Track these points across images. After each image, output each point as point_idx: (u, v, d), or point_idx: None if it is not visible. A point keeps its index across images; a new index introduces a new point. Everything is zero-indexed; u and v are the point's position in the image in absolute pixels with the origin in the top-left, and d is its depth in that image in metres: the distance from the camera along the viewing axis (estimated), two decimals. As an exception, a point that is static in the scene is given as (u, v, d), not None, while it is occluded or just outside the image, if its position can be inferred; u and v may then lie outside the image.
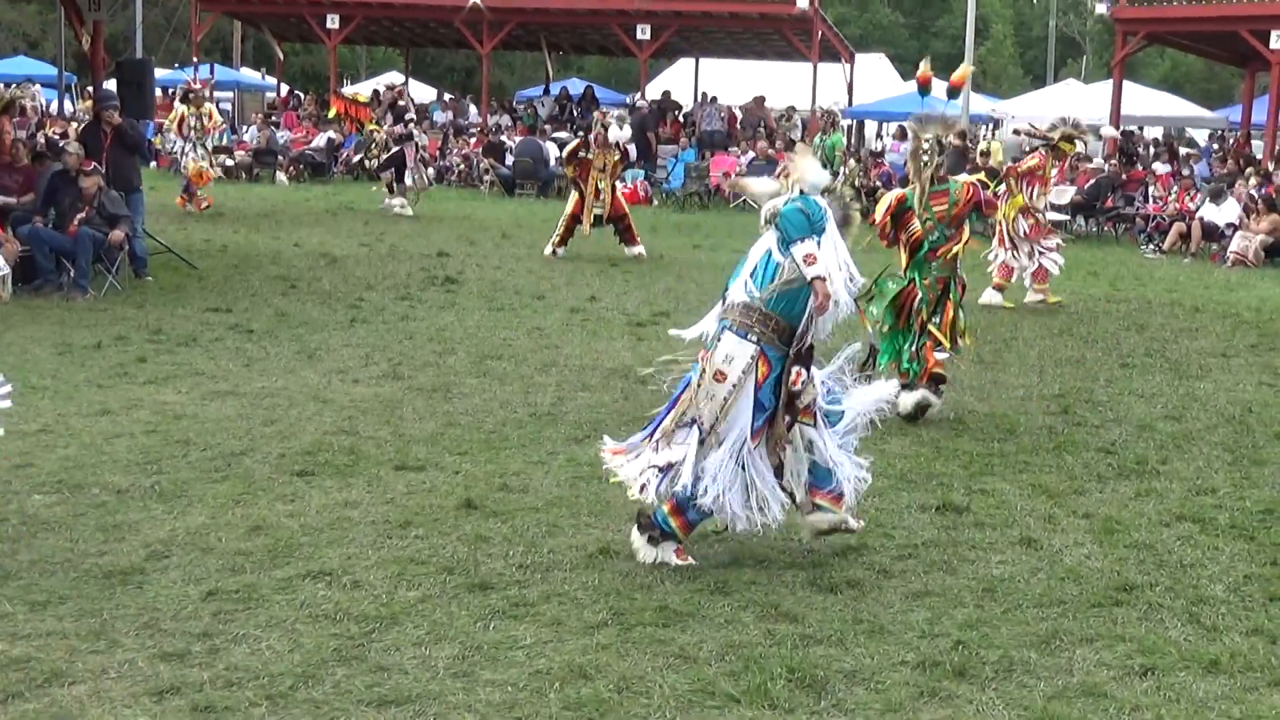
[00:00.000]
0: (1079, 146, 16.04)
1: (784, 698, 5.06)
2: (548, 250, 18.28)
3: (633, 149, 21.94)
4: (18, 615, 5.62)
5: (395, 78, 46.29)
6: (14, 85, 28.82)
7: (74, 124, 24.63)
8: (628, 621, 5.73)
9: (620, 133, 18.73)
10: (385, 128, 23.78)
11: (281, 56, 42.35)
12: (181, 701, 4.89)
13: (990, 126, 38.68)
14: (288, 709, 4.87)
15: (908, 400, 9.39)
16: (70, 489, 7.39)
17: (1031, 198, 15.35)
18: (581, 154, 18.32)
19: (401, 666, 5.24)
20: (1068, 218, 24.71)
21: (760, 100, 34.46)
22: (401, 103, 22.94)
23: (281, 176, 30.09)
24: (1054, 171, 15.67)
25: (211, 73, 39.88)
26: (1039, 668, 5.41)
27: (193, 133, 22.03)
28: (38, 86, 34.85)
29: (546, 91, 39.13)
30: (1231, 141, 31.73)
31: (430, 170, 23.05)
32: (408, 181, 23.11)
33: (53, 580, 6.05)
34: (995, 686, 5.24)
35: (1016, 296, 15.43)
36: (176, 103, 22.68)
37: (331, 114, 28.48)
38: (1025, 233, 15.39)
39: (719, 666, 5.32)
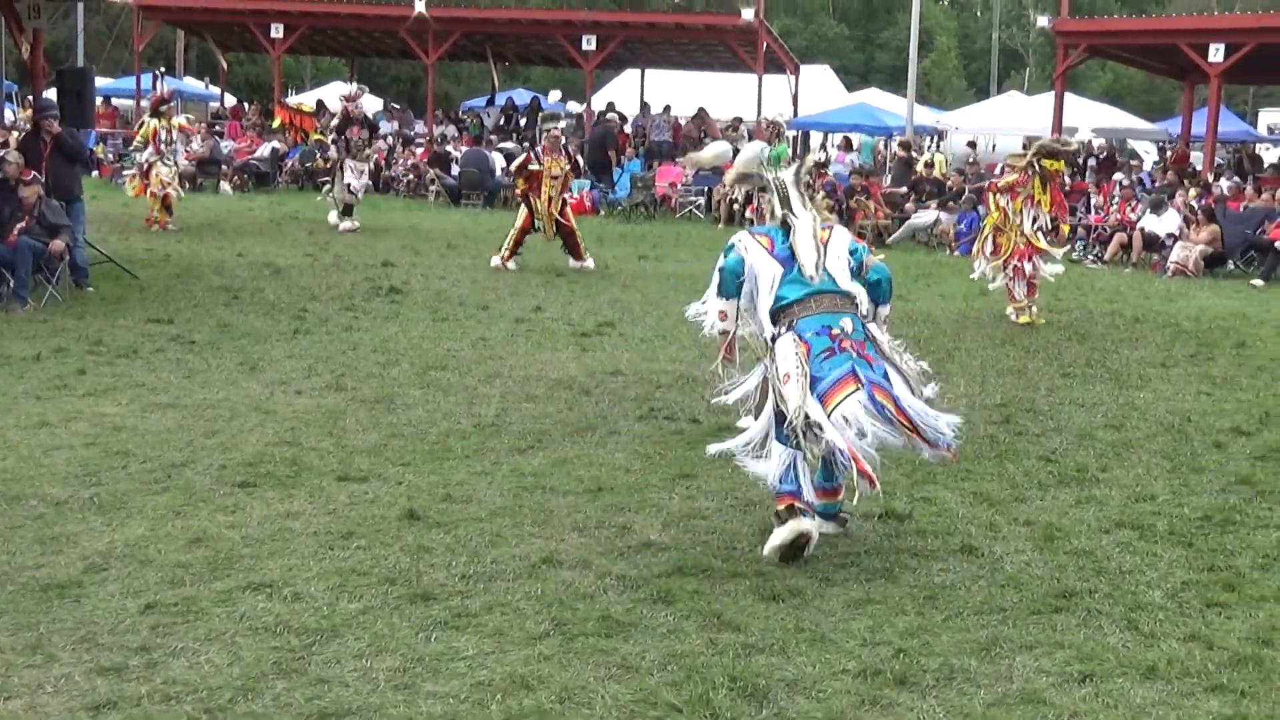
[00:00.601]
0: (1063, 162, 15.64)
1: (726, 707, 5.06)
2: (495, 261, 18.22)
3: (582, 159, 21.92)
4: (-48, 630, 5.56)
5: (341, 88, 46.11)
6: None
7: (14, 133, 24.35)
8: (570, 632, 5.73)
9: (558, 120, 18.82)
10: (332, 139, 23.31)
11: (226, 66, 42.13)
12: (119, 716, 4.85)
13: (934, 138, 39.00)
14: (227, 722, 4.84)
15: None
16: (7, 501, 7.31)
17: (1021, 218, 15.10)
18: (531, 166, 18.27)
19: (342, 679, 5.21)
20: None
21: (701, 113, 34.52)
22: (351, 116, 22.31)
23: (225, 186, 29.90)
24: (1046, 192, 15.28)
25: (154, 82, 39.60)
26: (979, 675, 5.44)
27: (164, 146, 21.73)
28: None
29: (491, 102, 39.08)
30: (1170, 154, 32.10)
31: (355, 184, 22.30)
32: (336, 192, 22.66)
33: (-12, 594, 5.99)
34: (936, 694, 5.27)
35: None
36: (147, 116, 22.30)
37: (276, 124, 28.31)
38: (992, 250, 15.31)
39: (661, 676, 5.32)
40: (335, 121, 22.74)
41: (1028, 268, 15.12)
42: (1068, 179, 15.30)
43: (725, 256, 7.16)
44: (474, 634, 5.69)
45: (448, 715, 4.95)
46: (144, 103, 37.38)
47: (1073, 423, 10.10)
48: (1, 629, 5.59)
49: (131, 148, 24.32)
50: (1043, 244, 15.20)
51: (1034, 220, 15.15)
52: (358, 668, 5.32)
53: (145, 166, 21.72)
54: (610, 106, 36.36)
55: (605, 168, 30.06)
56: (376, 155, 22.55)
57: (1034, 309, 15.19)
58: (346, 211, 22.26)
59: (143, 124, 22.42)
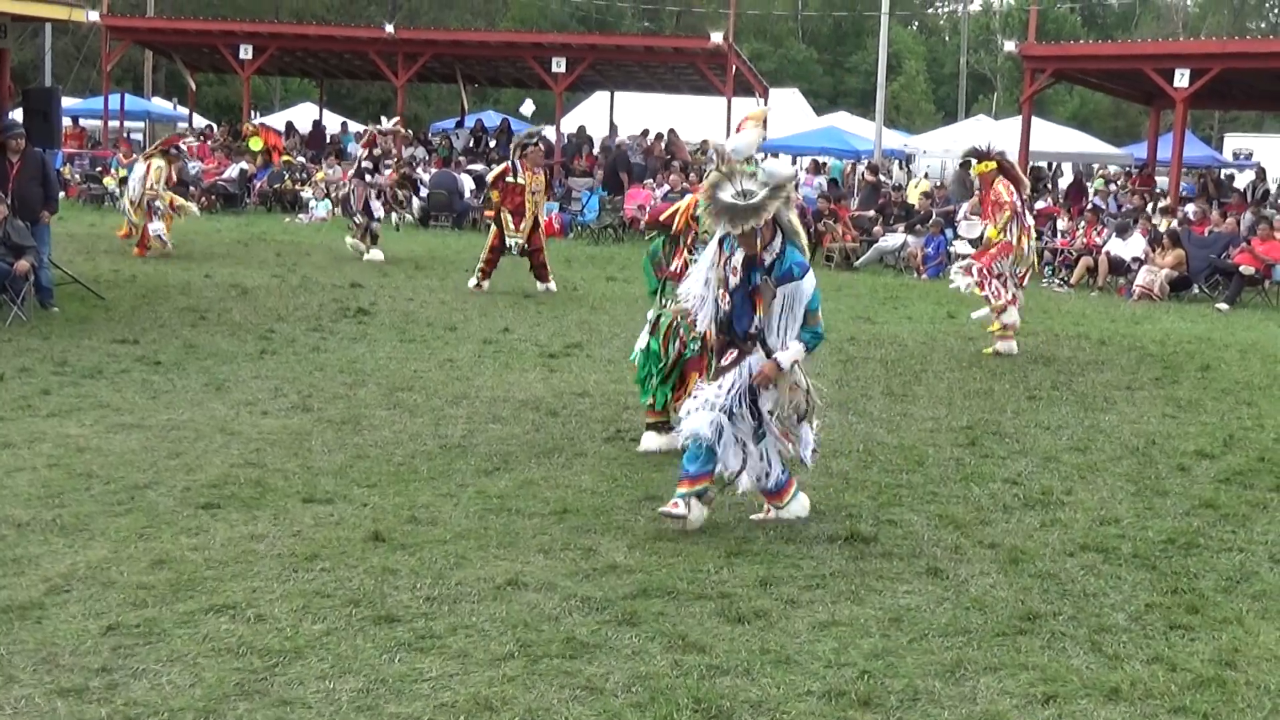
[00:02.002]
0: (985, 165, 15.15)
1: (690, 729, 5.06)
2: (472, 283, 18.17)
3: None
4: (-89, 652, 5.51)
5: (310, 109, 46.11)
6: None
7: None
8: (535, 653, 5.71)
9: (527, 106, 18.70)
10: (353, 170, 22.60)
11: (194, 87, 42.02)
12: (78, 738, 4.81)
13: (903, 161, 39.20)
14: (188, 745, 4.81)
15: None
16: (-32, 523, 7.25)
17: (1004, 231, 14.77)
18: (509, 179, 18.19)
19: (305, 700, 5.18)
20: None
21: (664, 136, 34.61)
22: (377, 151, 21.92)
23: (193, 207, 29.74)
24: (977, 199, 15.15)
25: (122, 102, 39.48)
26: (943, 697, 5.45)
27: (160, 185, 21.35)
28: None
29: (461, 124, 39.12)
30: (1133, 175, 32.35)
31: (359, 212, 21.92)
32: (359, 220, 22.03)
33: (-52, 616, 5.93)
34: (900, 716, 5.27)
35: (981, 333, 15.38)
36: (157, 159, 21.71)
37: (259, 145, 28.28)
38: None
39: (625, 698, 5.31)
40: (363, 153, 22.37)
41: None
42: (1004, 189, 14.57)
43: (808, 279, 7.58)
44: (438, 655, 5.67)
45: (411, 737, 4.93)
46: (136, 137, 37.30)
47: (1038, 445, 10.15)
48: (-39, 651, 5.54)
49: (66, 164, 23.68)
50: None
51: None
52: (321, 689, 5.29)
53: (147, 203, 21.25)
54: (581, 130, 36.44)
55: (619, 190, 30.10)
56: (383, 182, 22.13)
57: (998, 325, 14.94)
58: (374, 239, 21.80)
59: (150, 161, 21.77)
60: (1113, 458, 9.84)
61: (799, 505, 7.94)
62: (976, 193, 15.34)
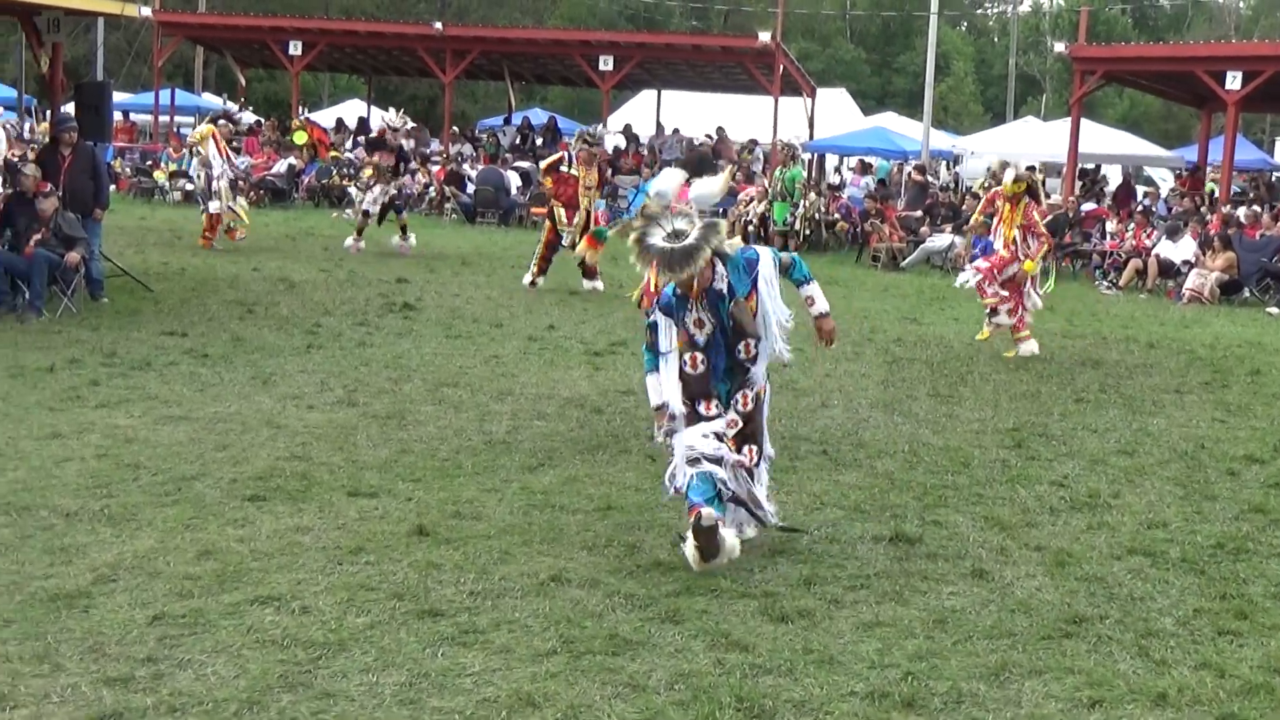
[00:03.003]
0: (1008, 178, 14.92)
1: (732, 727, 5.05)
2: (526, 280, 18.09)
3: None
4: (-40, 638, 5.56)
5: (358, 105, 46.28)
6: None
7: (32, 146, 24.44)
8: (577, 649, 5.71)
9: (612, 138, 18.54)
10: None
11: (244, 82, 42.28)
12: (124, 727, 4.85)
13: (950, 162, 39.03)
14: (232, 735, 4.84)
15: None
16: (18, 511, 7.32)
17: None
18: (562, 168, 18.20)
19: (348, 693, 5.20)
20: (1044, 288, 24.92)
21: (721, 133, 34.59)
22: (386, 141, 21.86)
23: (242, 201, 29.94)
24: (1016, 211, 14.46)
25: (172, 97, 39.75)
26: (988, 700, 5.41)
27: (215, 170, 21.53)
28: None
29: (508, 121, 39.19)
30: (1181, 177, 32.09)
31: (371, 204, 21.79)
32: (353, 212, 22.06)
33: (-3, 603, 5.99)
34: (944, 718, 5.24)
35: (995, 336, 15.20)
36: (206, 122, 21.94)
37: (302, 140, 28.42)
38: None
39: (668, 695, 5.30)
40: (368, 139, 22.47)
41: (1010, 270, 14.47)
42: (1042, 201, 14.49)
43: None
44: (481, 650, 5.67)
45: (453, 731, 4.94)
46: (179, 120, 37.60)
47: (1085, 448, 10.07)
48: (9, 638, 5.59)
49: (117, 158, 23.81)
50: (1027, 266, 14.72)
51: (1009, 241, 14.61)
52: (364, 682, 5.30)
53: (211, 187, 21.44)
54: (627, 128, 36.45)
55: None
56: (402, 183, 21.94)
57: (990, 327, 14.73)
58: (359, 232, 21.92)
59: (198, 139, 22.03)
60: (1161, 461, 9.76)
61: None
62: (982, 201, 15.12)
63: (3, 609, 5.91)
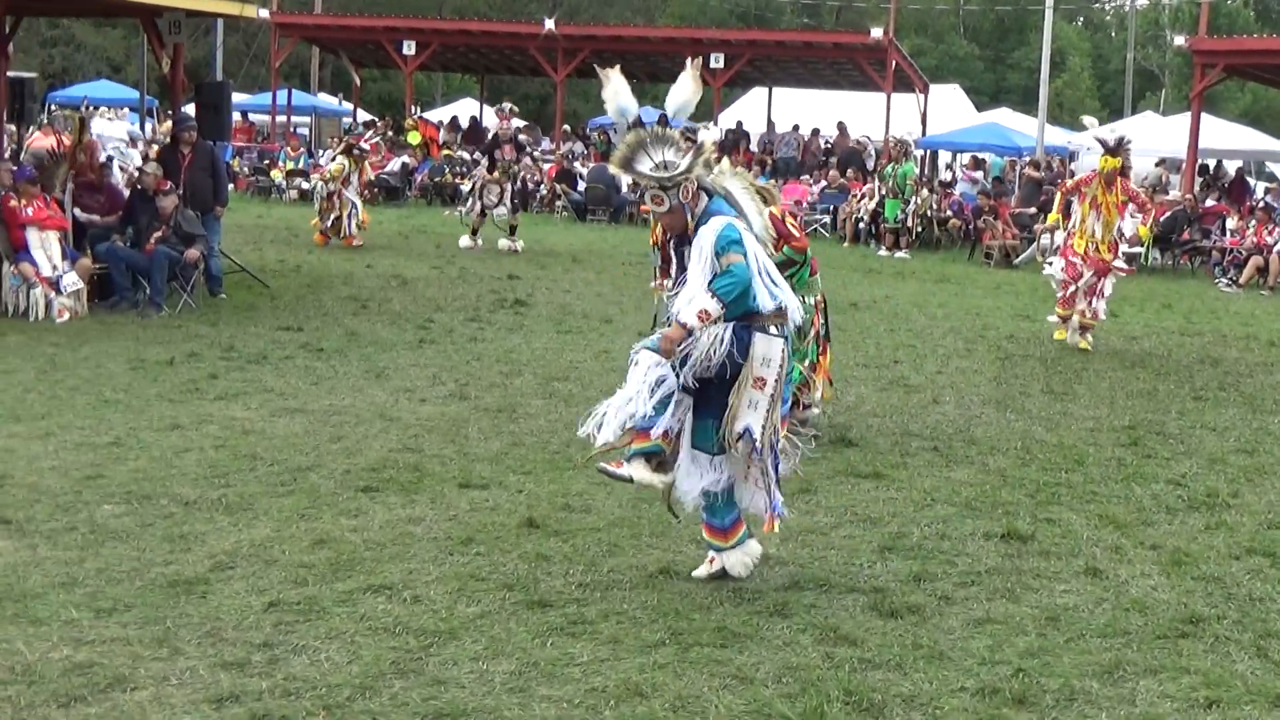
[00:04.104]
0: (1122, 161, 14.64)
1: (841, 721, 5.03)
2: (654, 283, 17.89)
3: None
4: (84, 621, 5.70)
5: (471, 104, 46.68)
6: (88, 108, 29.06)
7: (153, 145, 24.95)
8: (685, 641, 5.72)
9: (712, 133, 18.34)
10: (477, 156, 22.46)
11: (359, 82, 42.81)
12: (240, 710, 4.93)
13: (1065, 158, 38.46)
14: None
15: None
16: (139, 500, 7.49)
17: (1088, 223, 14.31)
18: None
19: (458, 681, 5.26)
20: (1142, 249, 24.52)
21: (841, 128, 34.43)
22: (500, 136, 21.77)
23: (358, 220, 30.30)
24: (1110, 194, 14.24)
25: (289, 98, 40.36)
26: (1101, 698, 5.34)
27: (350, 185, 21.88)
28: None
29: (620, 119, 39.21)
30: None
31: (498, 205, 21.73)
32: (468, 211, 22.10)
33: (119, 588, 6.13)
34: (1055, 715, 5.18)
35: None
36: (340, 155, 22.33)
37: (415, 139, 28.73)
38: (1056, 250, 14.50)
39: (776, 688, 5.30)
40: (488, 139, 22.53)
41: (1088, 277, 14.26)
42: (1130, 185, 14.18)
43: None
44: (590, 641, 5.70)
45: (562, 719, 4.97)
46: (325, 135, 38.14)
47: (1204, 447, 9.89)
48: (130, 622, 5.72)
49: (236, 157, 24.19)
50: (1106, 255, 14.37)
51: (1101, 227, 14.29)
52: (474, 670, 5.36)
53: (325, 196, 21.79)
54: (738, 125, 36.39)
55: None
56: (524, 174, 21.88)
57: (1081, 332, 14.38)
58: (474, 231, 21.86)
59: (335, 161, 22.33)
60: (1282, 461, 9.56)
61: (740, 555, 6.56)
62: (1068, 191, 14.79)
63: (124, 594, 6.06)
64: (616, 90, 6.79)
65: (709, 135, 17.23)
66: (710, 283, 6.12)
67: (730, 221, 6.27)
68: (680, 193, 6.33)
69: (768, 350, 6.30)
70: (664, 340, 6.22)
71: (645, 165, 6.36)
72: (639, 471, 6.35)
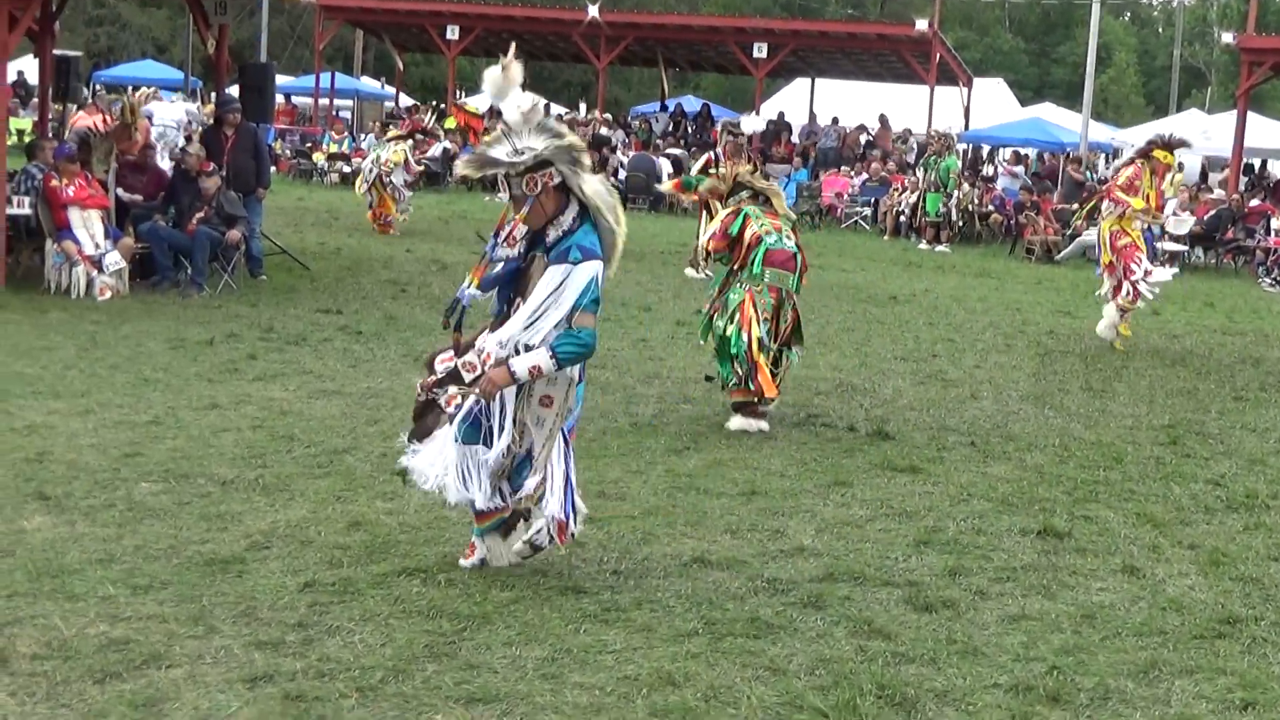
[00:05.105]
0: (1176, 158, 14.52)
1: (873, 714, 5.00)
2: (695, 271, 17.84)
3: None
4: (120, 598, 5.73)
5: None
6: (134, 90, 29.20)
7: (196, 126, 25.09)
8: (719, 631, 5.71)
9: (753, 122, 17.96)
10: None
11: (402, 66, 42.88)
12: (274, 689, 4.95)
13: (1109, 155, 38.21)
14: (377, 702, 4.91)
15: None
16: (177, 479, 7.53)
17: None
18: (711, 170, 17.98)
19: (491, 665, 5.26)
20: (1186, 248, 24.36)
21: (883, 120, 34.31)
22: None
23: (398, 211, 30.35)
24: (1153, 187, 14.22)
25: (332, 81, 40.49)
26: (1136, 697, 5.30)
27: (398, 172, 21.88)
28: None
29: (662, 108, 39.23)
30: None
31: None
32: None
33: (155, 566, 6.16)
34: (1089, 714, 5.14)
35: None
36: (396, 141, 22.27)
37: (450, 124, 28.79)
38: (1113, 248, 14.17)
39: (808, 680, 5.28)
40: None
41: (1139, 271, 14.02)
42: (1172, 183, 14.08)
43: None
44: (622, 628, 5.70)
45: (593, 706, 4.96)
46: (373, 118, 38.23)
47: (1244, 447, 9.81)
48: (166, 600, 5.75)
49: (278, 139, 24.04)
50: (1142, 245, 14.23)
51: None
52: (507, 655, 5.36)
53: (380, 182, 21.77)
54: (780, 116, 36.29)
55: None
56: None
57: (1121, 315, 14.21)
58: None
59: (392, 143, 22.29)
60: (1323, 463, 9.48)
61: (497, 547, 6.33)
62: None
63: (160, 571, 6.09)
64: (510, 78, 6.05)
65: (751, 123, 17.14)
66: (555, 343, 5.83)
67: (597, 273, 5.89)
68: (527, 184, 5.88)
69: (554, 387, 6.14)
70: (486, 383, 5.86)
71: (501, 152, 5.89)
72: (497, 547, 6.30)
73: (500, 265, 6.08)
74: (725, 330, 9.52)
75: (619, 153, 32.19)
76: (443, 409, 6.10)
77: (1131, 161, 14.61)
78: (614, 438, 9.05)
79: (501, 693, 5.02)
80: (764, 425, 9.48)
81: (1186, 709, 5.23)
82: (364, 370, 10.77)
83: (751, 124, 16.78)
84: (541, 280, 5.87)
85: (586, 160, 6.03)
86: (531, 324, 5.84)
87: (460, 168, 6.32)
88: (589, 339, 5.90)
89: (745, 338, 9.41)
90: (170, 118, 26.77)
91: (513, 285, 6.09)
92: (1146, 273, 13.98)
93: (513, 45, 6.53)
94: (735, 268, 9.72)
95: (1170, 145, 14.27)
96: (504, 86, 6.04)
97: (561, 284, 5.83)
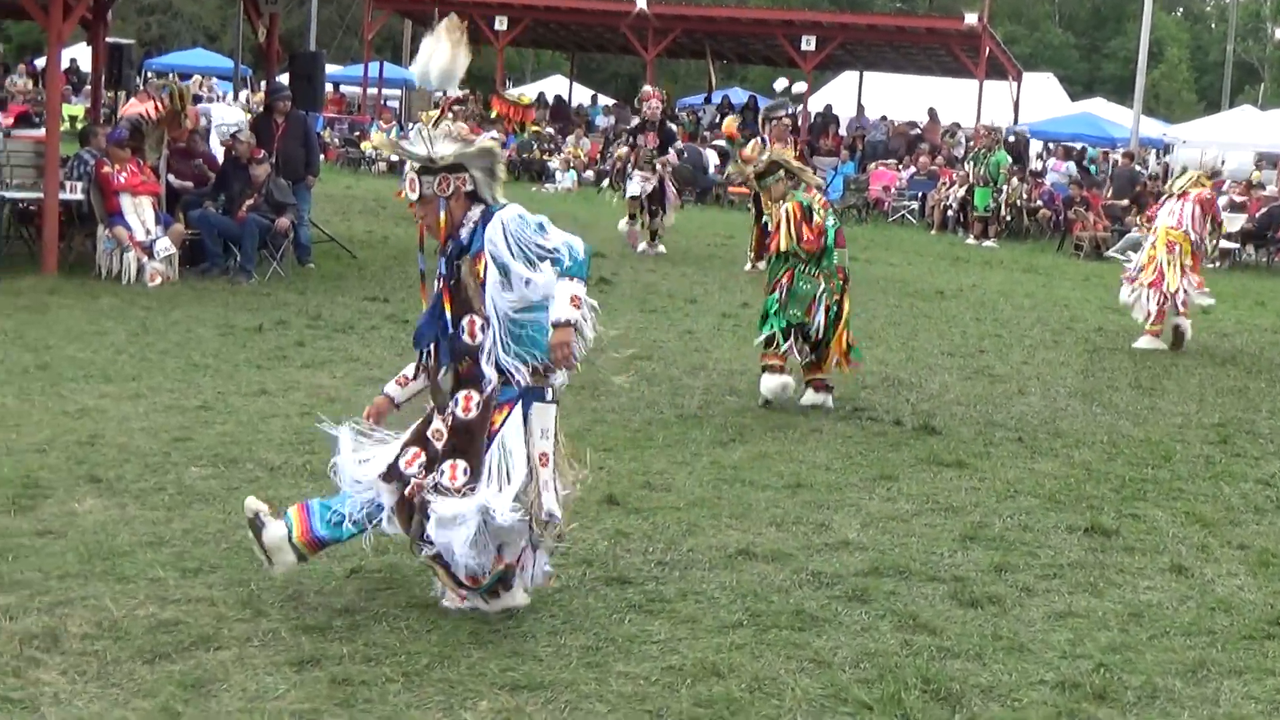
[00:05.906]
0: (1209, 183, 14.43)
1: (917, 708, 4.99)
2: (746, 266, 17.66)
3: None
4: (169, 581, 5.78)
5: (560, 81, 46.79)
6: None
7: (247, 114, 25.24)
8: (763, 623, 5.71)
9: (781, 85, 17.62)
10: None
11: (450, 56, 42.88)
12: (321, 673, 4.98)
13: (1160, 151, 37.93)
14: (422, 687, 4.94)
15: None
16: (226, 463, 7.58)
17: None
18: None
19: (536, 653, 5.28)
20: (1237, 246, 24.14)
21: (932, 114, 34.16)
22: (646, 119, 19.44)
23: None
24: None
25: (380, 70, 40.64)
26: (1183, 696, 5.27)
27: None
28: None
29: (709, 100, 39.15)
30: None
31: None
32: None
33: (205, 549, 6.22)
34: (1137, 712, 5.11)
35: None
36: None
37: (494, 114, 28.85)
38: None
39: (853, 673, 5.27)
40: (634, 122, 21.33)
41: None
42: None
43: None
44: (667, 619, 5.71)
45: (638, 696, 4.97)
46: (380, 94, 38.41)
47: (1295, 447, 9.73)
48: (215, 583, 5.80)
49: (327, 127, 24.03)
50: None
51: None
52: (552, 644, 5.38)
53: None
54: (828, 109, 36.19)
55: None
56: (661, 167, 19.19)
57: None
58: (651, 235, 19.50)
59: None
60: (1375, 464, 9.38)
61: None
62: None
63: (209, 555, 6.14)
64: (445, 53, 6.05)
65: (780, 87, 16.97)
66: (561, 268, 5.57)
67: (519, 211, 5.59)
68: (440, 184, 5.59)
69: (544, 421, 5.74)
70: (561, 349, 5.56)
71: (418, 147, 5.66)
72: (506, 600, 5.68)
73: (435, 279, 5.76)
74: (801, 318, 9.99)
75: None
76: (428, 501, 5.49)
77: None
78: (660, 429, 9.06)
79: (546, 680, 5.03)
80: (789, 380, 9.97)
81: (1235, 709, 5.19)
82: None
83: (781, 87, 16.42)
84: (489, 272, 5.54)
85: (501, 171, 5.76)
86: (521, 292, 5.54)
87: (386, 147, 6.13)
88: (574, 246, 5.64)
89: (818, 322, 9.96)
90: (230, 119, 26.96)
91: (453, 303, 5.78)
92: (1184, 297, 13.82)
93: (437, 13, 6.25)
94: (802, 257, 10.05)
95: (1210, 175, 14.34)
96: (451, 72, 6.09)
97: (499, 247, 5.49)
